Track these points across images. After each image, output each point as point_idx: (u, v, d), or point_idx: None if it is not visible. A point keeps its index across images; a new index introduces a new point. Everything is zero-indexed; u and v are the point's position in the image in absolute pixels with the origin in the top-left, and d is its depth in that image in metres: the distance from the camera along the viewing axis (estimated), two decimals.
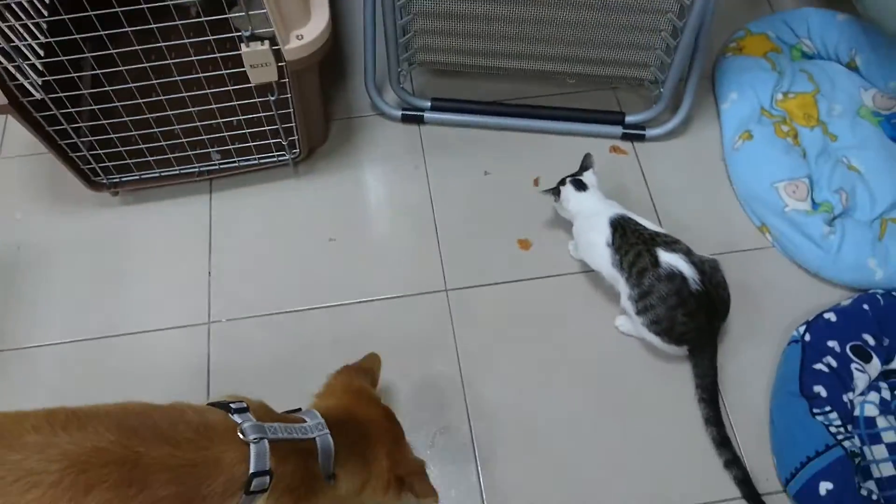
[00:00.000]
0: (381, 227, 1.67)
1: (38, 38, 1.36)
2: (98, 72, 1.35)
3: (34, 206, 1.69)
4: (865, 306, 1.48)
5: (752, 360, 1.50)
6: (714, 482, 1.38)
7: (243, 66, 1.34)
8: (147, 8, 1.23)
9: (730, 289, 1.44)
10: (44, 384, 1.48)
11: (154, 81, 1.39)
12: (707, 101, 1.85)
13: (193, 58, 1.35)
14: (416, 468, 1.16)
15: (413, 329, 1.53)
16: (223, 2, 1.26)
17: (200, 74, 1.38)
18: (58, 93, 1.38)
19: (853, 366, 1.42)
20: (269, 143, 1.60)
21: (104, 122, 1.46)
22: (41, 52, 1.40)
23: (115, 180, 1.62)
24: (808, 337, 1.45)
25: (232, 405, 1.02)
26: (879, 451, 1.34)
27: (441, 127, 1.80)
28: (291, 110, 1.51)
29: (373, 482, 1.11)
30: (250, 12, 1.25)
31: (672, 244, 1.43)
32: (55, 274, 1.60)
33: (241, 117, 1.51)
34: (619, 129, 1.77)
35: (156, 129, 1.50)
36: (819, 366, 1.41)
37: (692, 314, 1.38)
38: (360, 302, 1.56)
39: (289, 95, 1.46)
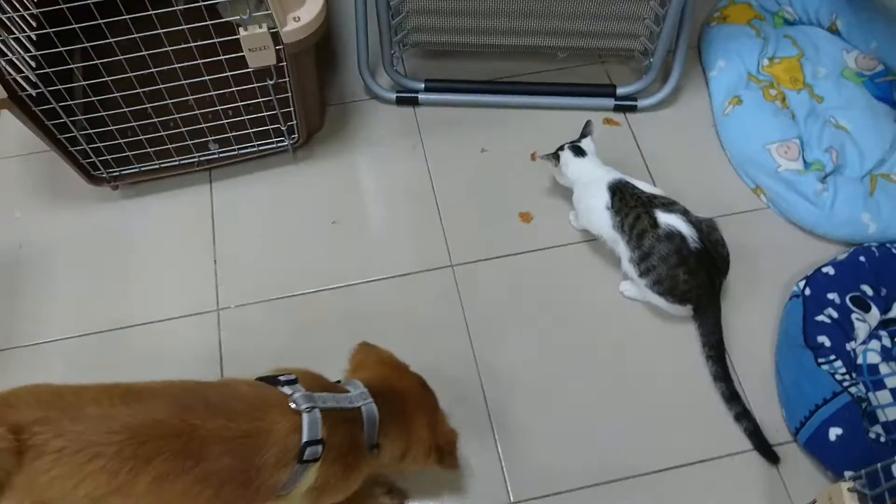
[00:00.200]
0: (383, 208, 1.68)
1: (33, 30, 1.36)
2: (97, 62, 1.35)
3: (33, 204, 1.69)
4: (862, 258, 1.51)
5: (753, 318, 1.53)
6: (726, 436, 1.41)
7: (240, 52, 1.35)
8: None
9: (728, 249, 1.47)
10: (55, 379, 1.45)
11: (153, 70, 1.39)
12: (694, 70, 1.88)
13: (192, 44, 1.36)
14: (451, 439, 1.18)
15: (421, 305, 1.55)
16: None
17: (199, 61, 1.39)
18: (56, 85, 1.38)
19: (853, 316, 1.45)
20: (268, 129, 1.61)
21: (103, 113, 1.46)
22: (35, 44, 1.39)
23: (114, 174, 1.62)
24: (808, 291, 1.49)
25: (280, 378, 1.04)
26: (884, 396, 1.38)
27: (436, 107, 1.82)
28: (290, 94, 1.52)
29: (413, 451, 1.13)
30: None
31: (669, 205, 1.46)
32: (59, 270, 1.60)
33: (239, 104, 1.52)
34: (611, 102, 1.79)
35: (155, 119, 1.51)
36: (821, 317, 1.44)
37: (693, 272, 1.41)
38: (367, 282, 1.57)
39: (287, 79, 1.47)
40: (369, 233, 1.65)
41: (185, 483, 0.92)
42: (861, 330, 1.45)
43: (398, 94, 1.80)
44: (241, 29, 1.32)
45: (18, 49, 1.32)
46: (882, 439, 1.32)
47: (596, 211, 1.51)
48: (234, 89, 1.47)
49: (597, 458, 1.38)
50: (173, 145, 1.58)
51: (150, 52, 1.35)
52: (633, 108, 1.80)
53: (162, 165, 1.63)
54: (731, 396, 1.42)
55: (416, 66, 1.89)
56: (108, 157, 1.57)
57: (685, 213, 1.45)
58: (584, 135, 1.61)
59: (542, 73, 1.87)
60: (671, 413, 1.43)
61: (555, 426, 1.41)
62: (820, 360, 1.39)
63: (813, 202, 1.59)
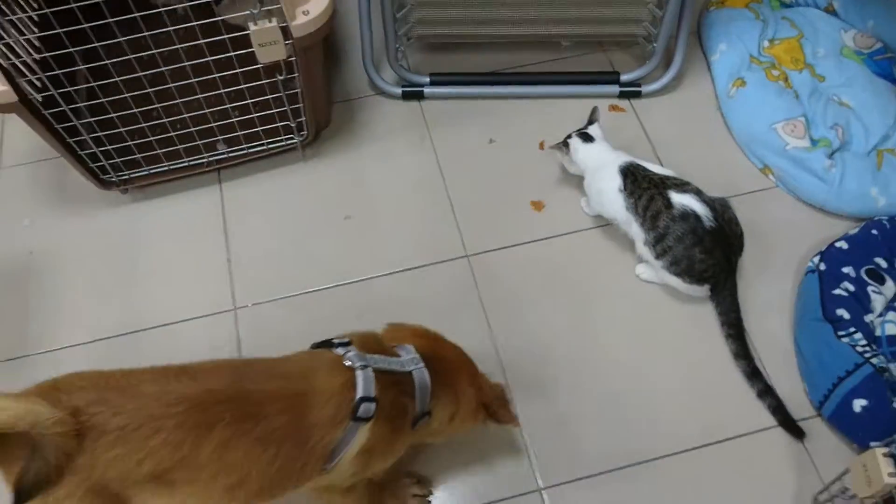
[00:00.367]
0: (394, 201, 1.68)
1: (38, 31, 1.35)
2: (106, 62, 1.34)
3: (42, 211, 1.67)
4: (874, 231, 1.52)
5: (769, 295, 1.54)
6: (749, 414, 1.41)
7: (248, 48, 1.35)
8: None
9: (742, 227, 1.48)
10: None
11: (163, 69, 1.39)
12: (695, 55, 1.90)
13: (202, 41, 1.35)
14: (499, 394, 1.19)
15: (438, 296, 1.54)
16: None
17: (209, 58, 1.39)
18: (66, 87, 1.37)
19: (869, 288, 1.46)
20: (277, 126, 1.61)
21: (112, 115, 1.45)
22: (40, 46, 1.38)
23: (124, 177, 1.61)
24: (822, 266, 1.49)
25: (335, 340, 1.06)
26: None
27: (441, 101, 1.82)
28: (299, 90, 1.52)
29: (461, 412, 1.13)
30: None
31: (682, 185, 1.47)
32: (70, 276, 1.59)
33: (249, 101, 1.52)
34: (615, 88, 1.80)
35: (164, 119, 1.50)
36: (838, 291, 1.45)
37: (709, 251, 1.42)
38: (383, 275, 1.57)
39: (296, 74, 1.47)
40: (382, 227, 1.64)
41: (246, 446, 0.93)
42: (878, 302, 1.46)
43: (403, 89, 1.80)
44: (251, 24, 1.31)
45: (29, 50, 1.32)
46: None
47: (608, 194, 1.52)
48: (243, 86, 1.47)
49: (622, 441, 1.38)
50: (183, 146, 1.58)
51: (161, 50, 1.35)
52: (637, 94, 1.81)
53: (171, 167, 1.62)
54: (753, 374, 1.43)
55: (419, 61, 1.89)
56: (118, 159, 1.56)
57: (698, 193, 1.46)
58: (590, 121, 1.62)
59: (545, 62, 1.87)
60: (693, 394, 1.43)
61: (578, 412, 1.41)
62: (840, 333, 1.40)
63: (822, 178, 1.60)
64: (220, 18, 1.34)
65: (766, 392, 1.41)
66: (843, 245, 1.52)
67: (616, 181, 1.51)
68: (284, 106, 1.55)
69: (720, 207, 1.46)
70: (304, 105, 1.56)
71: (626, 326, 1.51)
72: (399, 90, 1.80)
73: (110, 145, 1.52)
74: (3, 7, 1.27)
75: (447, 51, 1.89)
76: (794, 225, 1.63)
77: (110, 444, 0.88)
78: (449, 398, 1.11)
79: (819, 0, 1.91)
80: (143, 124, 1.50)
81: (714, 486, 1.34)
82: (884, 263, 1.49)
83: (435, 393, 1.09)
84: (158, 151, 1.57)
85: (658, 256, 1.46)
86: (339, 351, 1.03)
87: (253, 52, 1.36)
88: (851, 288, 1.45)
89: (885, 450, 1.08)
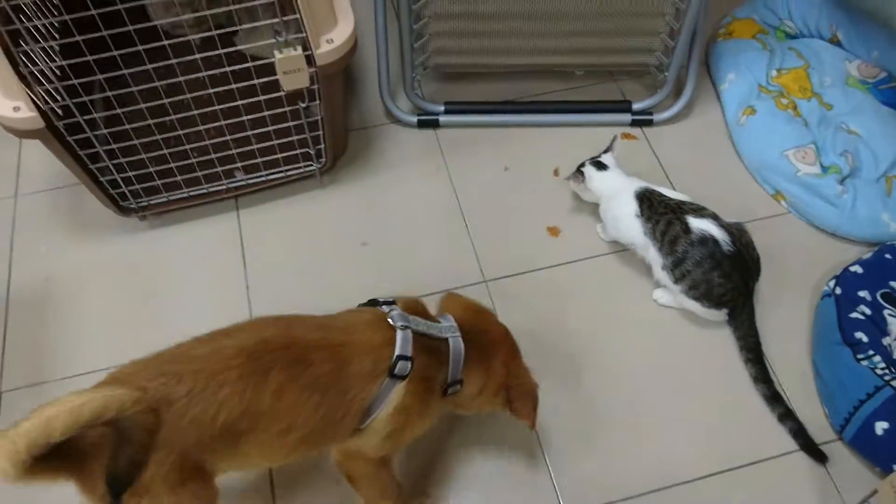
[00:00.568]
0: (411, 228, 1.69)
1: (64, 59, 1.37)
2: (133, 89, 1.36)
3: (59, 238, 1.67)
4: (888, 255, 1.54)
5: (786, 320, 1.55)
6: (770, 438, 1.41)
7: (269, 76, 1.37)
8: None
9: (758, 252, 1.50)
10: None
11: (188, 96, 1.40)
12: (704, 85, 1.93)
13: (227, 68, 1.37)
14: (527, 387, 1.20)
15: None
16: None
17: (234, 86, 1.40)
18: (91, 114, 1.38)
19: (885, 312, 1.47)
20: (297, 153, 1.62)
21: (136, 141, 1.46)
22: (63, 72, 1.40)
23: (143, 203, 1.62)
24: (838, 290, 1.51)
25: (380, 299, 1.11)
26: None
27: (456, 129, 1.85)
28: (319, 117, 1.53)
29: (489, 387, 1.16)
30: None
31: (699, 210, 1.49)
32: (87, 303, 1.58)
33: (270, 128, 1.53)
34: (627, 117, 1.83)
35: (186, 146, 1.51)
36: (855, 314, 1.46)
37: (728, 275, 1.43)
38: None
39: (318, 102, 1.49)
40: (399, 253, 1.65)
41: (295, 392, 0.97)
42: (894, 325, 1.47)
43: (419, 118, 1.83)
44: (276, 52, 1.34)
45: (53, 78, 1.33)
46: None
47: (625, 220, 1.53)
48: (265, 113, 1.48)
49: (642, 467, 1.38)
50: (202, 172, 1.58)
51: (186, 77, 1.37)
52: (649, 123, 1.84)
53: (191, 193, 1.63)
54: (773, 397, 1.43)
55: (433, 90, 1.92)
56: (138, 186, 1.57)
57: (716, 218, 1.47)
58: (606, 150, 1.64)
59: (558, 91, 1.91)
60: (714, 418, 1.43)
61: (598, 438, 1.41)
62: (859, 356, 1.41)
63: (834, 204, 1.63)
64: (236, 49, 1.36)
65: (787, 416, 1.41)
66: (858, 269, 1.53)
67: (632, 206, 1.52)
68: (304, 133, 1.56)
69: (737, 232, 1.47)
70: (324, 132, 1.58)
71: (645, 351, 1.51)
72: (415, 118, 1.83)
73: (131, 171, 1.53)
74: (32, 34, 1.29)
75: (461, 80, 1.92)
76: (808, 250, 1.65)
77: (183, 410, 0.91)
78: (480, 371, 1.14)
79: (823, 31, 1.95)
80: (165, 150, 1.51)
81: None
82: None
83: (469, 364, 1.12)
84: (178, 178, 1.58)
85: (676, 281, 1.47)
86: (384, 309, 1.08)
87: (273, 80, 1.38)
88: (868, 311, 1.47)
89: None
